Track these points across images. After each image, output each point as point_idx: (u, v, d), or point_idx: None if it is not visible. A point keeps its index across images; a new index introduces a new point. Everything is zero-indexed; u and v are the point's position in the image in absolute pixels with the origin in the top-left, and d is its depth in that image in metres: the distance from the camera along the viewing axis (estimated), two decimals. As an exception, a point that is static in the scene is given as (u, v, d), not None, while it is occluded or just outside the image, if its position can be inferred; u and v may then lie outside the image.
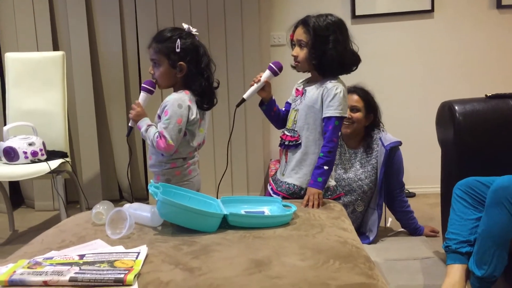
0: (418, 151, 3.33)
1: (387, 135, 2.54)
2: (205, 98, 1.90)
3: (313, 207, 1.72)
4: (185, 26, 1.88)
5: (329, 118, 1.79)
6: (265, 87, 1.93)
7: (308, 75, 1.95)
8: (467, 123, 2.07)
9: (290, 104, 1.98)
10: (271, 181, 2.02)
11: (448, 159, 2.19)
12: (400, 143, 2.51)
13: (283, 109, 2.01)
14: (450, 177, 2.13)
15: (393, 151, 2.49)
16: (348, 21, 3.36)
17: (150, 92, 1.93)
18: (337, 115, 1.79)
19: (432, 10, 3.38)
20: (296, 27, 1.87)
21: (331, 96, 1.79)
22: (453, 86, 3.40)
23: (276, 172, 2.03)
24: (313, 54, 1.81)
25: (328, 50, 1.78)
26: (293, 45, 1.90)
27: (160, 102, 1.92)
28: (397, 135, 2.56)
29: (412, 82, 3.49)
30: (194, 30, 1.89)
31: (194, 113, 1.86)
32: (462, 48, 3.43)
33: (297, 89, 1.95)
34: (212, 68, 1.92)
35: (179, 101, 1.82)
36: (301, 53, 1.84)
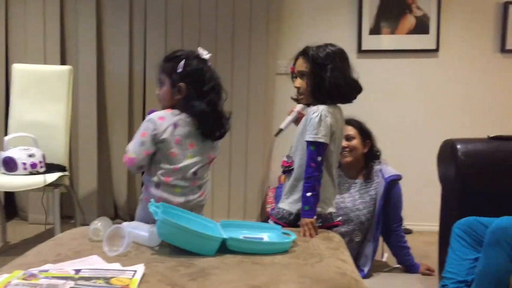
0: (417, 187, 3.33)
1: (388, 168, 2.55)
2: (206, 125, 1.79)
3: (310, 236, 1.71)
4: (200, 49, 1.83)
5: (306, 142, 1.80)
6: (299, 117, 1.99)
7: None
8: (469, 162, 2.08)
9: None
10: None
11: (448, 197, 2.19)
12: (400, 176, 2.52)
13: None
14: (449, 216, 2.12)
15: (392, 184, 2.49)
16: (353, 55, 3.42)
17: None
18: (310, 139, 1.77)
19: (437, 49, 3.43)
20: (296, 59, 1.90)
21: (308, 121, 1.80)
22: (455, 125, 3.42)
23: None
24: (311, 81, 1.82)
25: (326, 77, 1.79)
26: (293, 77, 1.92)
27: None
28: (397, 170, 2.57)
29: (414, 118, 3.52)
30: (206, 54, 1.83)
31: (162, 130, 1.73)
32: (466, 89, 3.47)
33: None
34: (219, 94, 1.82)
35: (151, 115, 1.77)
36: (303, 83, 1.85)
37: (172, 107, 1.82)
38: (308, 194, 1.76)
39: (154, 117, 1.75)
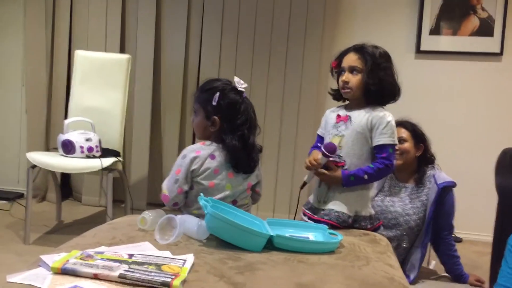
0: (471, 195, 3.22)
1: (442, 174, 2.47)
2: (237, 160, 1.74)
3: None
4: (236, 79, 1.79)
5: (383, 145, 1.82)
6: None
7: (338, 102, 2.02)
8: (529, 173, 1.98)
9: (321, 137, 2.01)
10: (306, 211, 1.97)
11: (504, 208, 2.10)
12: (454, 183, 2.43)
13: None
14: (505, 227, 2.03)
15: (445, 191, 2.41)
16: (411, 55, 3.34)
17: None
18: (391, 142, 1.82)
19: (501, 53, 3.29)
20: (345, 54, 1.90)
21: (384, 124, 1.81)
22: (515, 133, 3.28)
23: (307, 201, 2.01)
24: (371, 80, 1.82)
25: (385, 77, 1.83)
26: (336, 72, 1.94)
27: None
28: (451, 176, 2.49)
29: (472, 124, 3.39)
30: (242, 85, 1.79)
31: (200, 165, 1.71)
32: (529, 95, 3.32)
33: (338, 115, 1.92)
34: (251, 127, 1.78)
35: (186, 151, 1.75)
36: (353, 79, 1.85)
37: (207, 137, 1.81)
38: (366, 177, 1.81)
39: (189, 153, 1.73)
